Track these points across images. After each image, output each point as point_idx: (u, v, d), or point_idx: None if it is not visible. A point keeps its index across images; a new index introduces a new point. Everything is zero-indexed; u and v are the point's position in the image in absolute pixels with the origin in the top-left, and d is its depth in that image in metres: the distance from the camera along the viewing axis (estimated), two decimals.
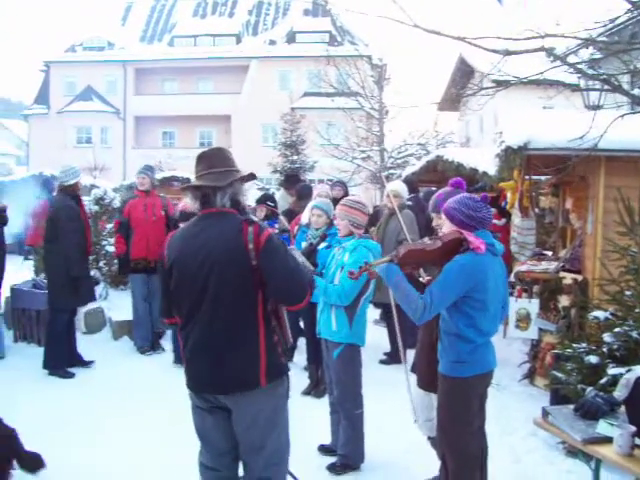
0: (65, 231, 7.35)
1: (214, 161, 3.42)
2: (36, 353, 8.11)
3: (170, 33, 46.82)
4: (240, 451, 3.44)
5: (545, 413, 3.94)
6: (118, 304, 8.96)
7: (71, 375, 7.42)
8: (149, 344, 8.39)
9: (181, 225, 7.86)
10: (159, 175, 18.01)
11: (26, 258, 11.26)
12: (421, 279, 4.25)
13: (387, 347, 8.20)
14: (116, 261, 8.50)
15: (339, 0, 34.73)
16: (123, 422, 5.93)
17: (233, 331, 3.27)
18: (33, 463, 4.24)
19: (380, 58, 26.01)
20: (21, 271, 9.51)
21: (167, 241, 3.49)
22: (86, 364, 7.77)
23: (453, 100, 25.68)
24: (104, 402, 6.47)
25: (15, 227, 9.16)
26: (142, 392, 6.83)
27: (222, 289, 3.24)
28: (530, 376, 6.98)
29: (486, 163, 8.29)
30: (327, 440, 5.30)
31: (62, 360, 7.50)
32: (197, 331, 3.30)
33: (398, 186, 8.09)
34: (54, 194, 7.88)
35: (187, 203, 7.84)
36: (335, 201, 6.52)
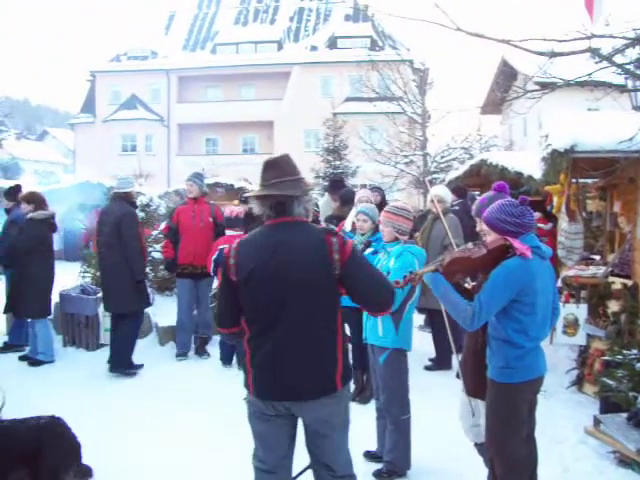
0: (128, 237, 7.58)
1: (285, 169, 3.41)
2: (84, 358, 8.27)
3: (212, 41, 47.27)
4: (317, 454, 3.45)
5: (597, 421, 3.88)
6: (164, 310, 9.04)
7: (134, 373, 7.71)
8: (188, 350, 8.47)
9: (228, 232, 7.99)
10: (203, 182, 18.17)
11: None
12: (466, 285, 4.21)
13: (432, 353, 8.14)
14: (162, 267, 8.56)
15: (380, 5, 34.78)
16: (165, 424, 6.00)
17: (316, 339, 3.31)
18: (84, 475, 4.32)
19: (422, 62, 25.90)
20: (71, 276, 9.64)
21: (233, 249, 3.38)
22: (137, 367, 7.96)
23: (496, 103, 25.46)
24: (148, 406, 6.55)
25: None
26: (185, 396, 6.90)
27: (306, 299, 3.26)
28: (578, 383, 6.85)
29: (531, 166, 8.19)
30: (373, 446, 5.27)
31: (128, 361, 7.78)
32: (276, 340, 3.26)
33: (442, 191, 8.03)
34: (111, 202, 8.07)
35: (233, 209, 7.94)
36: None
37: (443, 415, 5.66)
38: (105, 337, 8.22)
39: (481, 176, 10.77)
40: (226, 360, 8.01)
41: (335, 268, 3.25)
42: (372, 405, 5.52)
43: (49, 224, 8.15)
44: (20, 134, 32.08)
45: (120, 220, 7.58)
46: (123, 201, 7.85)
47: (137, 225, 7.77)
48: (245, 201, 8.47)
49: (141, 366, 7.87)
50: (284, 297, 3.24)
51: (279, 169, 3.40)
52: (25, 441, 4.11)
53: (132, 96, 44.84)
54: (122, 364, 7.69)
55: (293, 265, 3.24)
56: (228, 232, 8.03)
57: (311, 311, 3.28)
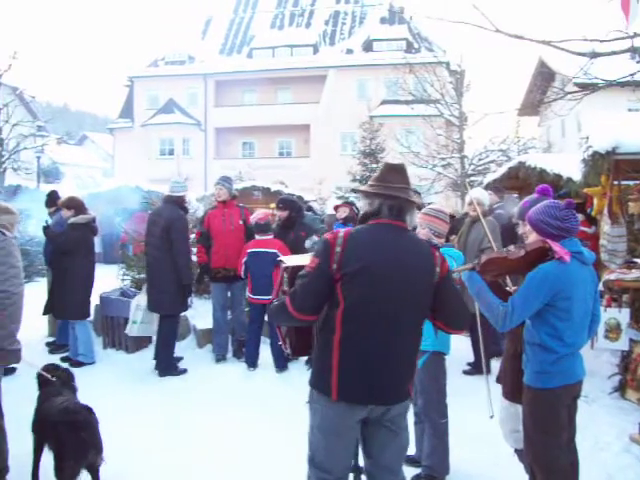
0: (178, 241, 7.74)
1: (408, 177, 3.46)
2: (124, 359, 8.36)
3: (249, 45, 47.51)
4: (380, 457, 3.43)
5: None
6: (202, 312, 9.11)
7: (184, 371, 7.95)
8: (226, 353, 8.51)
9: (257, 236, 8.01)
10: (240, 185, 18.32)
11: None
12: (508, 288, 4.17)
13: (470, 357, 8.07)
14: (198, 270, 8.62)
15: (415, 7, 34.68)
16: (206, 425, 6.05)
17: (411, 344, 3.35)
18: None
19: (458, 64, 25.72)
20: (109, 279, 9.76)
21: (341, 237, 3.29)
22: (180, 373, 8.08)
23: (534, 105, 25.20)
24: (187, 407, 6.60)
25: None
26: (223, 397, 6.94)
27: (413, 304, 3.28)
28: (621, 389, 6.73)
29: (570, 168, 8.08)
30: (411, 450, 5.24)
31: (172, 361, 7.98)
32: (379, 341, 3.23)
33: (480, 193, 7.96)
34: (161, 205, 8.23)
35: (261, 214, 7.96)
36: None
37: (482, 420, 5.60)
38: (131, 329, 8.24)
39: (519, 179, 10.66)
40: (251, 364, 8.07)
41: (435, 280, 3.32)
42: (410, 409, 5.49)
43: (90, 228, 8.27)
44: (60, 139, 32.45)
45: (170, 224, 7.71)
46: (175, 205, 7.99)
47: (187, 230, 7.96)
48: (284, 207, 8.49)
49: (185, 371, 7.99)
50: (395, 298, 3.23)
51: (405, 176, 3.46)
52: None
53: (170, 100, 45.23)
54: (168, 367, 7.86)
55: (409, 269, 3.26)
56: (257, 237, 8.05)
57: (413, 316, 3.32)
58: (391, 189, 3.37)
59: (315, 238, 8.55)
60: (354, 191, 3.80)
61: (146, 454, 5.20)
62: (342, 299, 3.23)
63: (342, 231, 3.35)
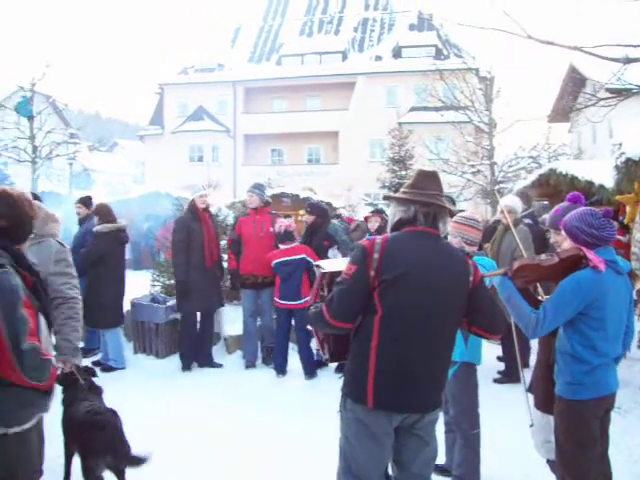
0: (172, 243, 8.42)
1: (441, 185, 3.47)
2: (154, 364, 8.41)
3: (278, 52, 47.70)
4: (410, 465, 3.41)
5: None
6: (232, 318, 9.14)
7: (219, 365, 8.47)
8: (256, 359, 8.55)
9: (281, 246, 8.02)
10: (269, 192, 18.37)
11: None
12: (540, 297, 4.13)
13: (501, 366, 8.00)
14: (229, 276, 8.65)
15: (444, 13, 34.57)
16: (229, 432, 6.06)
17: (447, 353, 3.36)
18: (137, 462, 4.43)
19: (488, 70, 25.60)
20: (139, 285, 9.84)
21: (379, 244, 3.27)
22: (216, 365, 8.47)
23: (564, 111, 24.98)
24: (213, 413, 6.61)
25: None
26: (251, 405, 6.95)
27: (450, 313, 3.29)
28: None
29: (602, 175, 7.99)
30: (441, 460, 5.20)
31: (190, 359, 8.34)
32: (417, 349, 3.21)
33: (512, 201, 7.90)
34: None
35: (283, 222, 7.99)
36: None
37: (513, 430, 5.54)
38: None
39: (550, 186, 10.57)
40: (280, 370, 8.08)
41: (468, 288, 3.33)
42: (440, 418, 5.45)
43: (117, 237, 8.31)
44: (92, 146, 32.89)
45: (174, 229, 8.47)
46: (189, 211, 8.44)
47: (181, 232, 8.25)
48: (312, 211, 8.51)
49: (221, 365, 8.44)
50: (432, 306, 3.23)
51: (438, 182, 3.47)
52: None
53: (199, 108, 45.54)
54: (185, 365, 8.32)
55: (445, 276, 3.26)
56: (280, 246, 8.07)
57: (448, 324, 3.32)
58: (426, 196, 3.36)
59: (337, 251, 8.56)
60: (386, 198, 3.79)
61: (173, 457, 5.22)
62: (380, 306, 3.21)
63: (380, 237, 3.32)
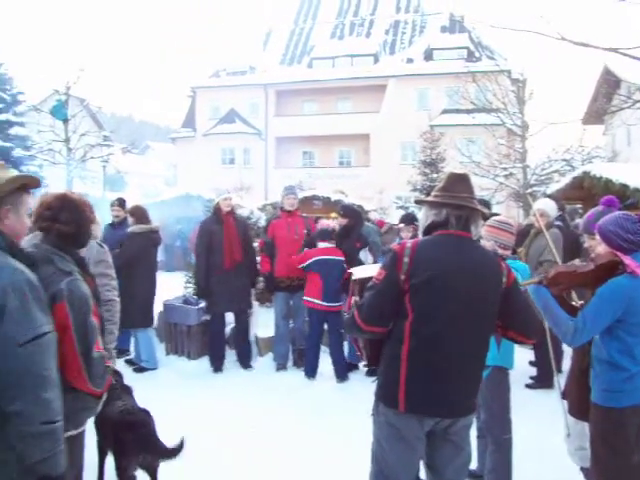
0: (195, 246, 8.59)
1: (473, 187, 3.46)
2: (186, 366, 8.47)
3: (309, 55, 47.77)
4: (444, 470, 3.39)
5: None
6: (263, 321, 9.18)
7: (250, 367, 8.55)
8: (287, 362, 8.58)
9: (320, 244, 8.05)
10: (300, 194, 18.45)
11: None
12: (574, 303, 4.08)
13: (533, 371, 7.94)
14: (262, 279, 8.68)
15: (476, 15, 34.34)
16: (258, 433, 6.10)
17: (480, 356, 3.34)
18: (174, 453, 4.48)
19: (521, 72, 25.38)
20: (171, 287, 9.92)
21: (409, 248, 3.28)
22: (247, 367, 8.54)
23: (598, 113, 24.69)
24: (243, 414, 6.66)
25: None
26: (281, 407, 6.98)
27: (480, 314, 3.27)
28: None
29: (638, 178, 7.89)
30: (473, 465, 5.16)
31: (217, 359, 8.40)
32: (449, 352, 3.21)
33: (544, 205, 7.82)
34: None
35: (329, 224, 8.00)
36: None
37: (546, 436, 5.50)
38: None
39: (584, 189, 10.44)
40: (310, 373, 8.10)
41: (501, 291, 3.30)
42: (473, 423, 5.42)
43: (150, 238, 8.40)
44: (125, 149, 33.23)
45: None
46: (212, 214, 8.63)
47: (204, 236, 8.40)
48: (344, 214, 8.52)
49: (251, 367, 8.48)
50: (464, 309, 3.21)
51: (469, 185, 3.45)
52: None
53: (231, 110, 45.74)
54: (214, 366, 8.44)
55: (477, 279, 3.25)
56: (320, 244, 8.10)
57: (481, 327, 3.30)
58: (458, 199, 3.35)
59: (368, 252, 8.55)
60: (418, 202, 3.77)
61: (203, 457, 5.26)
62: (410, 310, 3.21)
63: (410, 242, 3.33)
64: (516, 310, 3.35)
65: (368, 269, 3.89)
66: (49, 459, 2.55)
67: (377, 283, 3.30)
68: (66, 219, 3.22)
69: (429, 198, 3.50)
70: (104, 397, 3.37)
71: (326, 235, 8.09)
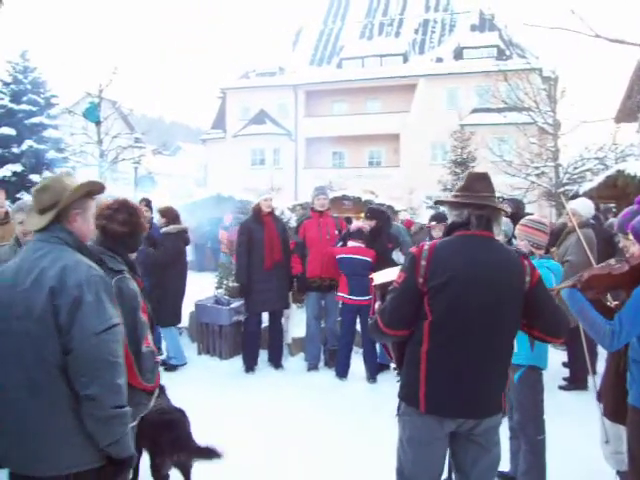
0: (236, 246, 8.61)
1: (493, 186, 3.46)
2: (218, 365, 8.54)
3: (338, 56, 47.73)
4: (471, 472, 3.39)
5: None
6: (295, 321, 9.21)
7: (281, 367, 8.59)
8: (318, 362, 8.60)
9: (351, 243, 8.07)
10: (330, 194, 18.48)
11: None
12: (608, 303, 4.04)
13: (566, 372, 7.87)
14: (295, 280, 8.71)
15: (507, 13, 34.05)
16: (289, 432, 6.14)
17: (502, 357, 3.32)
18: (209, 454, 4.51)
19: (552, 70, 25.10)
20: (201, 287, 9.99)
21: (426, 251, 3.31)
22: (279, 366, 8.57)
23: (632, 111, 24.31)
24: (274, 413, 6.71)
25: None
26: (312, 406, 7.01)
27: (503, 316, 3.25)
28: None
29: None
30: (506, 466, 5.14)
31: (250, 359, 8.42)
32: (467, 353, 3.21)
33: (577, 204, 7.74)
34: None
35: (358, 224, 8.02)
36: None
37: (580, 438, 5.45)
38: None
39: (617, 187, 10.33)
40: (342, 373, 8.11)
41: (525, 290, 3.28)
42: (504, 423, 5.38)
43: (183, 238, 8.51)
44: (156, 150, 33.52)
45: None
46: (253, 214, 8.64)
47: (243, 234, 8.44)
48: (371, 216, 8.52)
49: (281, 366, 8.51)
50: (483, 310, 3.20)
51: (490, 184, 3.45)
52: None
53: (261, 111, 45.85)
54: (247, 365, 8.44)
55: (497, 279, 3.24)
56: (350, 243, 8.12)
57: (503, 327, 3.27)
58: (479, 198, 3.35)
59: (400, 253, 8.53)
60: (438, 203, 3.78)
61: (234, 456, 5.29)
62: (429, 312, 3.23)
63: (428, 244, 3.35)
64: (542, 309, 3.33)
65: (389, 273, 3.90)
66: (119, 442, 2.76)
67: (397, 287, 3.35)
68: (123, 220, 3.53)
69: (450, 198, 3.51)
70: (155, 393, 3.48)
71: (357, 235, 8.12)
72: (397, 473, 3.47)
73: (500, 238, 5.83)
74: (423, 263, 3.25)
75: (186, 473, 4.56)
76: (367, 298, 7.82)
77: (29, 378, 2.69)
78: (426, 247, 3.31)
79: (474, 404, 3.24)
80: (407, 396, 3.35)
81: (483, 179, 3.44)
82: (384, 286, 3.68)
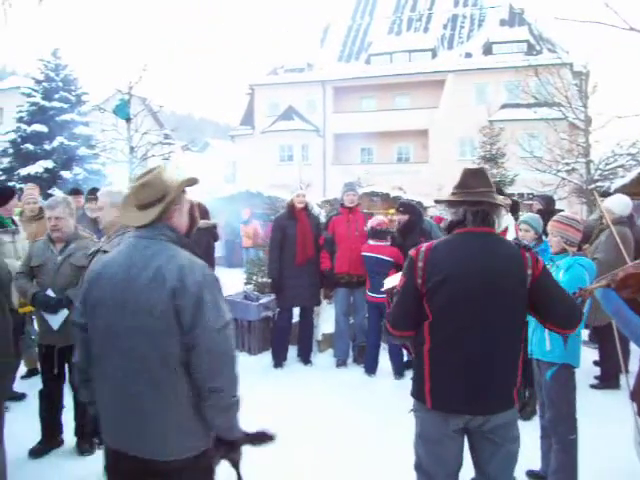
0: (269, 241, 8.72)
1: (489, 180, 3.45)
2: (247, 361, 8.57)
3: (367, 51, 47.59)
4: (485, 467, 3.41)
5: None
6: (325, 317, 9.22)
7: (309, 362, 8.63)
8: (347, 358, 8.61)
9: (369, 241, 8.05)
10: (358, 191, 18.45)
11: None
12: None
13: (597, 371, 7.79)
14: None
15: (537, 7, 33.69)
16: (316, 428, 6.20)
17: (506, 351, 3.29)
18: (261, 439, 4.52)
19: (584, 65, 24.79)
20: (231, 282, 10.04)
21: (422, 252, 3.36)
22: (308, 362, 8.60)
23: None
24: (302, 409, 6.75)
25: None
26: (340, 402, 7.03)
27: (503, 311, 3.25)
28: None
29: None
30: (536, 465, 5.10)
31: (279, 354, 8.47)
32: (467, 350, 3.23)
33: (612, 201, 7.66)
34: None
35: (379, 220, 8.00)
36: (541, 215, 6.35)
37: (611, 438, 5.39)
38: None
39: None
40: (370, 370, 8.11)
41: (527, 283, 3.26)
42: (535, 422, 5.35)
43: (212, 233, 8.61)
44: (185, 146, 33.72)
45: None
46: (287, 210, 8.73)
47: (276, 230, 8.55)
48: (404, 210, 8.49)
49: (310, 362, 8.55)
50: (482, 306, 3.22)
51: (485, 179, 3.44)
52: None
53: (289, 107, 45.89)
54: (275, 362, 8.48)
55: (494, 276, 3.23)
56: (370, 242, 8.10)
57: (504, 323, 3.26)
58: (473, 194, 3.36)
59: None
60: (437, 202, 3.80)
61: (262, 451, 5.30)
62: (429, 312, 3.29)
63: (425, 245, 3.41)
64: (549, 301, 3.32)
65: (397, 277, 3.92)
66: (233, 426, 3.05)
67: (399, 290, 3.44)
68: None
69: (446, 197, 3.53)
70: None
71: (378, 234, 8.09)
72: (415, 468, 3.53)
73: (530, 235, 5.82)
74: (420, 265, 3.32)
75: (236, 465, 4.55)
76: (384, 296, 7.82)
77: (149, 372, 2.82)
78: (423, 248, 3.37)
79: (477, 400, 3.25)
80: (416, 393, 3.42)
81: (478, 174, 3.45)
82: (392, 290, 3.76)
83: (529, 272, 3.26)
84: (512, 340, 3.31)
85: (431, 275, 3.28)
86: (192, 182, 3.15)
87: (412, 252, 3.41)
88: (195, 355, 2.80)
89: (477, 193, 3.36)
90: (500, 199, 3.46)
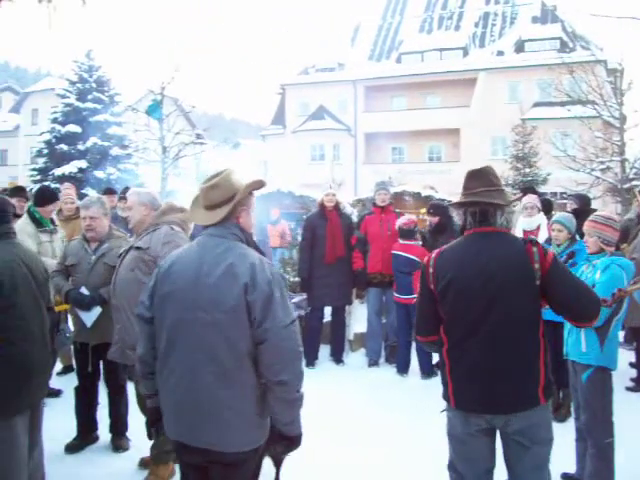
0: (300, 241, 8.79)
1: (490, 179, 3.46)
2: None
3: (397, 50, 47.47)
4: (516, 468, 3.39)
5: None
6: (357, 316, 9.21)
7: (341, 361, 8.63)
8: (379, 358, 8.60)
9: (401, 241, 8.03)
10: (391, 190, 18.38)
11: None
12: None
13: (633, 373, 7.69)
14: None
15: (570, 4, 33.27)
16: (346, 426, 6.20)
17: (520, 349, 3.28)
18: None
19: (619, 62, 24.46)
20: None
21: (432, 258, 3.45)
22: (340, 362, 8.61)
23: None
24: (333, 408, 6.74)
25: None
26: (371, 401, 7.02)
27: (510, 309, 3.24)
28: None
29: None
30: (571, 468, 5.04)
31: (311, 353, 8.43)
32: (479, 350, 3.26)
33: None
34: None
35: (407, 219, 7.99)
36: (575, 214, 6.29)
37: None
38: None
39: None
40: (402, 369, 8.09)
41: (536, 278, 3.23)
42: (570, 424, 5.29)
43: None
44: (217, 146, 33.96)
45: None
46: (318, 209, 8.77)
47: (306, 230, 8.67)
48: (434, 212, 8.46)
49: (342, 361, 8.55)
50: (487, 307, 3.23)
51: (484, 179, 3.44)
52: None
53: (320, 107, 45.89)
54: (307, 361, 8.35)
55: (496, 276, 3.24)
56: (401, 241, 8.09)
57: (513, 320, 3.25)
58: (468, 195, 3.40)
59: None
60: (451, 206, 3.79)
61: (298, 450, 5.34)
62: (443, 315, 3.37)
63: (435, 251, 3.48)
64: (561, 294, 3.30)
65: None
66: (295, 421, 3.10)
67: (417, 297, 3.56)
68: None
69: (453, 202, 3.60)
70: None
71: (406, 233, 8.08)
72: (448, 464, 3.56)
73: (563, 234, 5.76)
74: (431, 270, 3.41)
75: (278, 463, 4.57)
76: (409, 297, 7.79)
77: (217, 365, 2.93)
78: (433, 255, 3.46)
79: (493, 399, 3.26)
80: (443, 392, 3.47)
81: (476, 175, 3.47)
82: None
83: (537, 266, 3.23)
84: (524, 337, 3.29)
85: (439, 279, 3.36)
86: (259, 184, 3.24)
87: (425, 258, 3.51)
88: (263, 349, 2.92)
89: (473, 194, 3.39)
90: (504, 196, 3.45)
